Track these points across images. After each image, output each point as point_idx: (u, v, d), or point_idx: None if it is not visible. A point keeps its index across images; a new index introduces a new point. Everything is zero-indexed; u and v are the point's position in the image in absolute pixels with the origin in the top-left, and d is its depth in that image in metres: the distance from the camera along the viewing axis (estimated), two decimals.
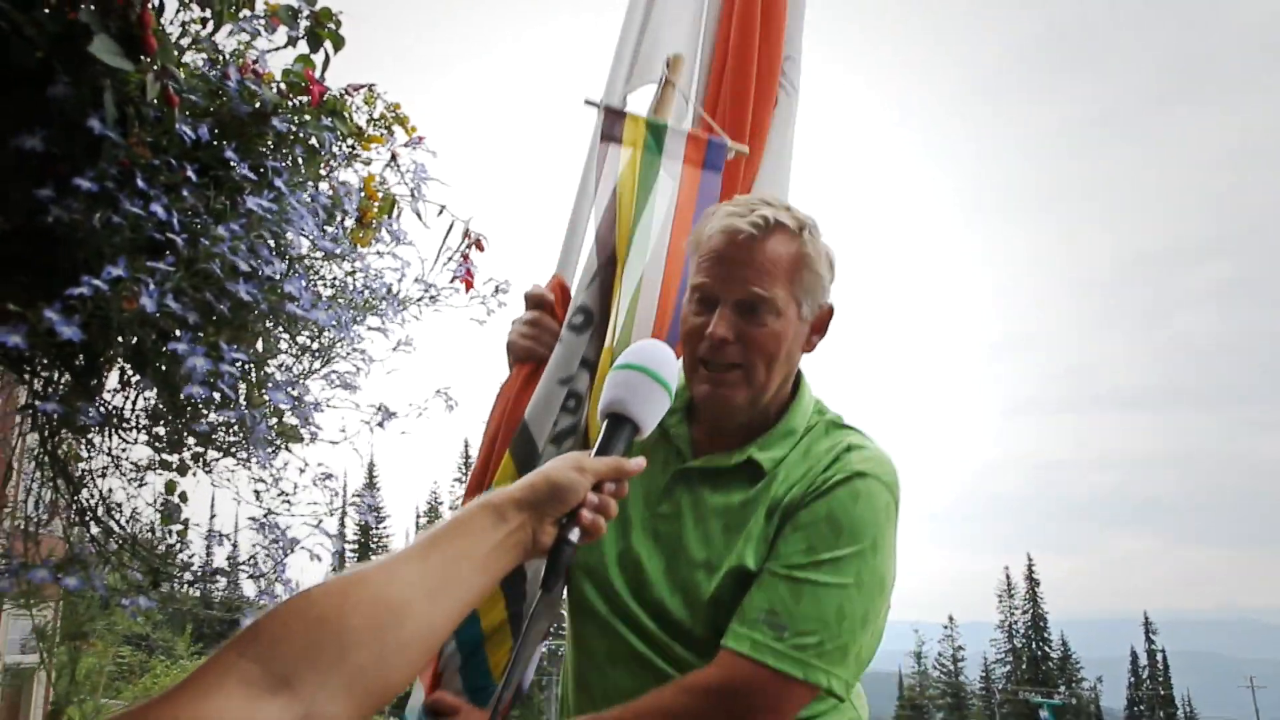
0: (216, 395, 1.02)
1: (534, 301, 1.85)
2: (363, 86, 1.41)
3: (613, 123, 1.88)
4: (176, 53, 1.19)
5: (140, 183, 1.07)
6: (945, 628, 79.58)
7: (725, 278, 1.57)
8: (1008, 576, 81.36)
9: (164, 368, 0.98)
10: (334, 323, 1.07)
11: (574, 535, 1.11)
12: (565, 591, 1.71)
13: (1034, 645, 78.93)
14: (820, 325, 1.68)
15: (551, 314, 1.84)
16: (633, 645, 1.67)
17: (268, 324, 1.12)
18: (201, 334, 1.06)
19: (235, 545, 1.36)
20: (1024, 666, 78.15)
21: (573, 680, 1.80)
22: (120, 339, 1.06)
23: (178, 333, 0.98)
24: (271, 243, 1.07)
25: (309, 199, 1.13)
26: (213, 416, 1.05)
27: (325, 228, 1.17)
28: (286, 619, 0.85)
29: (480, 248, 1.52)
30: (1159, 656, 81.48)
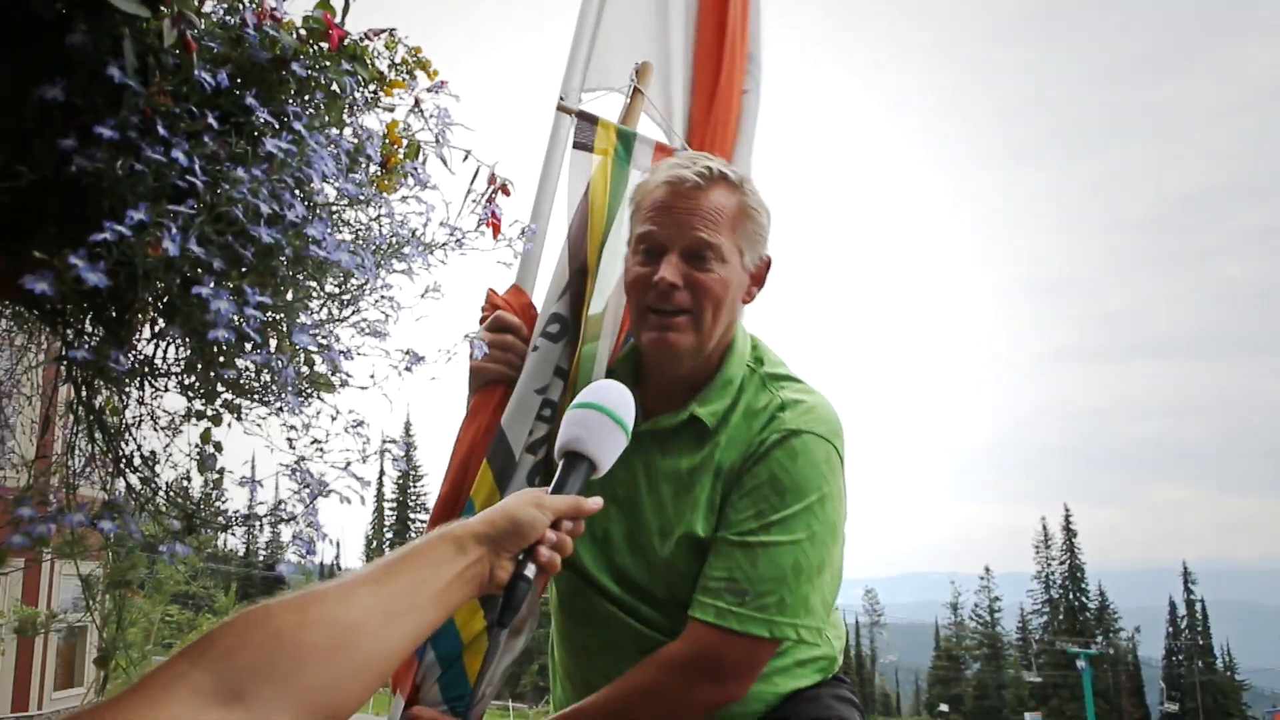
0: (248, 344, 1.03)
1: (500, 324, 1.85)
2: (383, 31, 1.40)
3: (585, 130, 1.87)
4: (196, 0, 1.18)
5: (161, 130, 1.07)
6: (981, 579, 79.84)
7: (672, 224, 1.60)
8: (1044, 527, 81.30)
9: (191, 315, 0.99)
10: (358, 265, 1.07)
11: (530, 571, 1.14)
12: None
13: (1071, 596, 78.98)
14: (759, 277, 1.72)
15: (519, 335, 1.84)
16: (604, 606, 1.72)
17: (293, 271, 1.12)
18: (227, 280, 1.06)
19: (275, 493, 1.38)
20: (1061, 617, 78.30)
21: (555, 633, 1.86)
22: (149, 286, 1.07)
23: (205, 278, 0.99)
24: (295, 190, 1.07)
25: (329, 142, 1.12)
26: (240, 362, 1.05)
27: (350, 173, 1.16)
28: (242, 631, 0.86)
29: (506, 192, 1.51)
30: (1198, 606, 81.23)
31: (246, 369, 1.10)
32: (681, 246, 1.61)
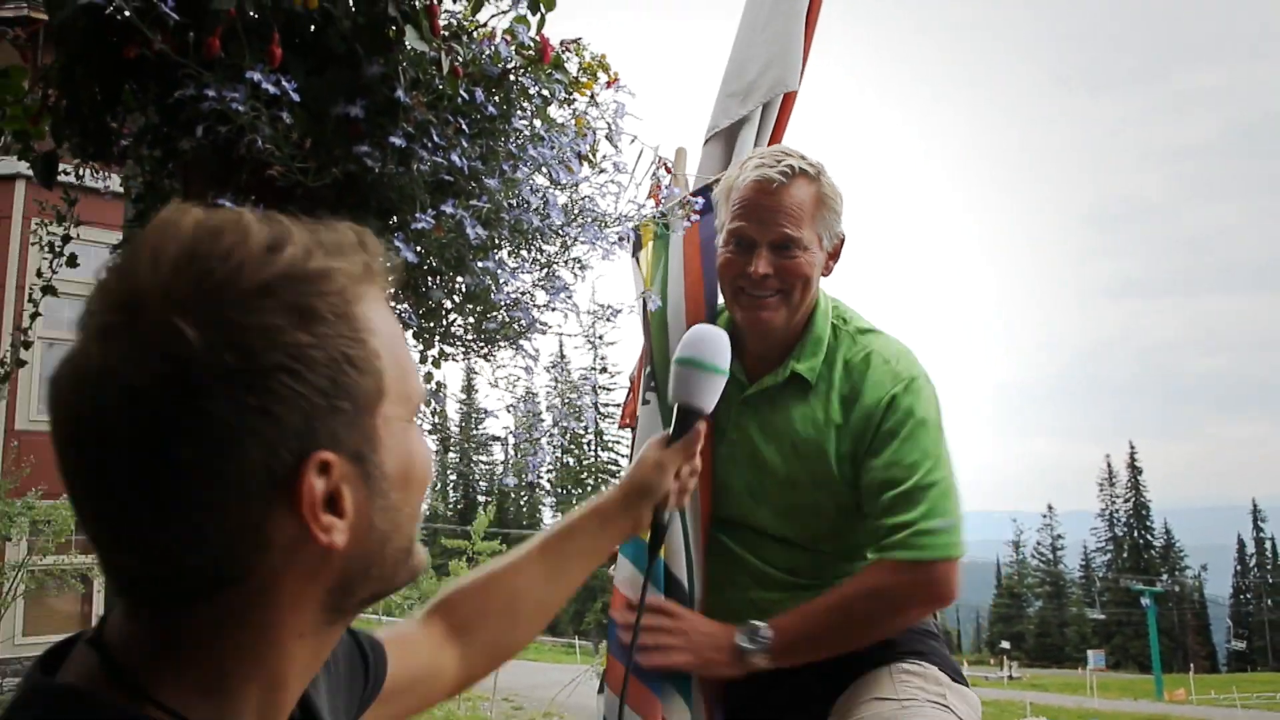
0: (506, 301, 1.35)
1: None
2: (573, 41, 1.70)
3: (634, 241, 2.15)
4: (447, 33, 1.49)
5: (436, 138, 1.39)
6: (1044, 516, 79.46)
7: (760, 222, 1.91)
8: (1109, 464, 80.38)
9: (478, 282, 1.31)
10: (591, 241, 1.39)
11: (665, 517, 1.48)
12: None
13: (1135, 533, 78.27)
14: (835, 253, 2.03)
15: None
16: (726, 545, 2.04)
17: (536, 242, 1.44)
18: (491, 253, 1.39)
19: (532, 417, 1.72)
20: (1125, 555, 77.69)
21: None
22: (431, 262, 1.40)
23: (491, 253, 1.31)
24: (539, 181, 1.39)
25: (556, 141, 1.43)
26: (501, 314, 1.38)
27: (570, 164, 1.48)
28: (457, 597, 1.30)
29: (668, 170, 1.81)
30: (1267, 544, 79.93)
31: (507, 322, 1.43)
32: (769, 240, 1.89)
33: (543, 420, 1.59)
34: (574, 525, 1.41)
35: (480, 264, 1.30)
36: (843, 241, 2.00)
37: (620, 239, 1.57)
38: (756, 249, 1.88)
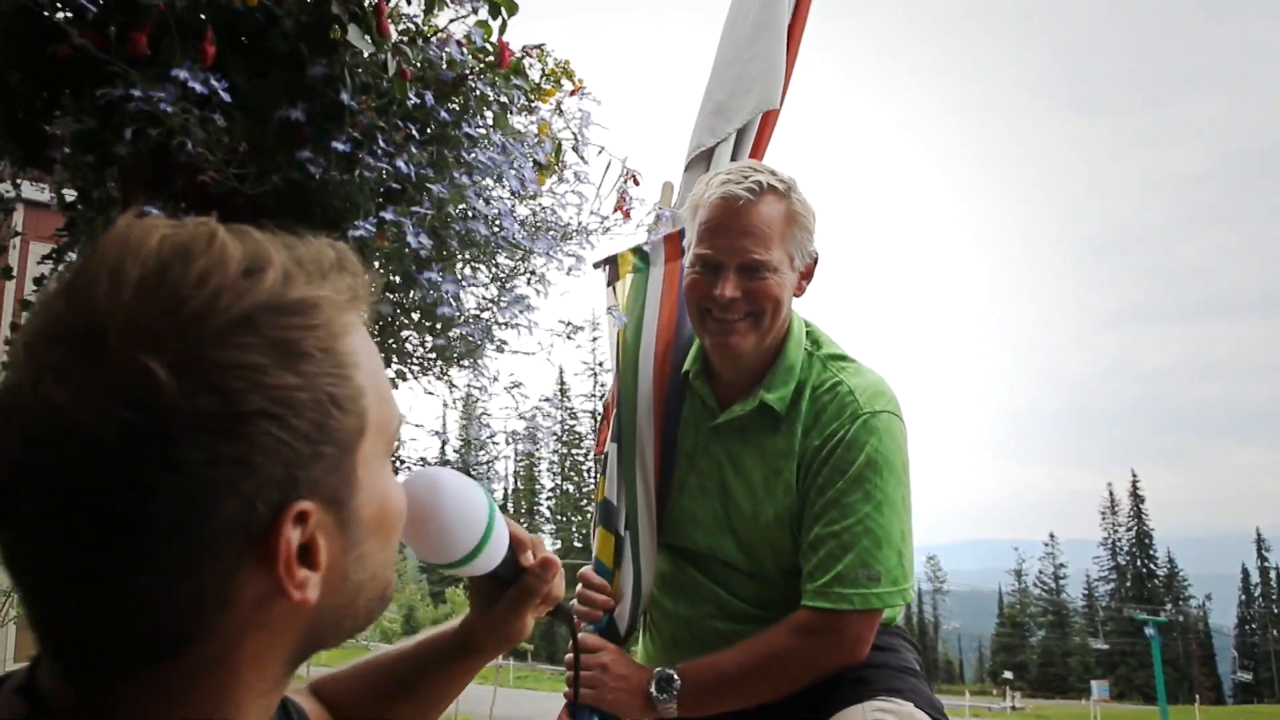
0: (459, 316, 1.28)
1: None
2: (536, 47, 1.63)
3: (611, 271, 2.08)
4: (399, 35, 1.43)
5: (383, 143, 1.31)
6: (1046, 545, 79.17)
7: (728, 246, 1.81)
8: (1111, 493, 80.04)
9: (424, 295, 1.23)
10: (548, 250, 1.31)
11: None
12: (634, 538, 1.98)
13: (1139, 563, 77.85)
14: (808, 272, 1.91)
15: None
16: (691, 575, 1.95)
17: (486, 254, 1.36)
18: (437, 265, 1.31)
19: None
20: (1128, 584, 77.22)
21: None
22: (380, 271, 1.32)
23: (432, 265, 1.24)
24: (494, 190, 1.32)
25: (513, 149, 1.36)
26: (455, 331, 1.30)
27: (524, 173, 1.40)
28: (327, 679, 1.14)
29: (636, 182, 1.74)
30: (1272, 574, 79.40)
31: (458, 337, 1.35)
32: (737, 263, 1.79)
33: (496, 443, 1.51)
34: (440, 644, 1.16)
35: (425, 275, 1.22)
36: (816, 261, 1.90)
37: (585, 256, 1.49)
38: (724, 271, 1.78)
